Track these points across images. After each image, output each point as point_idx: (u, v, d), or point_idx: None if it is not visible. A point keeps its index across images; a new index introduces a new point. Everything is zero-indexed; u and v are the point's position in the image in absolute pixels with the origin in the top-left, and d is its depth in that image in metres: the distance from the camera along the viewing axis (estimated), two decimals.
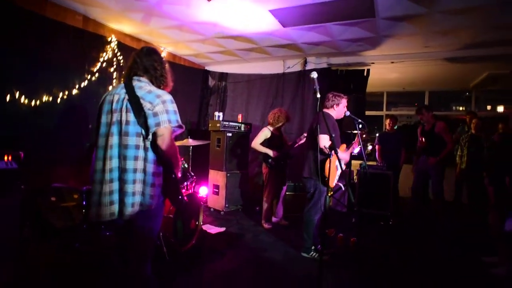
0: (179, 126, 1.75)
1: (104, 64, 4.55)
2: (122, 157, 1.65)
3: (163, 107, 1.67)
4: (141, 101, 1.64)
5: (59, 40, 3.97)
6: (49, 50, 3.87)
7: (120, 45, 4.78)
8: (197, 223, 3.49)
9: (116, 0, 3.84)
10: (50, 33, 3.87)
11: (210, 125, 5.24)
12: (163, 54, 5.78)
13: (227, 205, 5.01)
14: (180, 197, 1.82)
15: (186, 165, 3.74)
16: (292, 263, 3.20)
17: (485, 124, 5.16)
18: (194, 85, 6.79)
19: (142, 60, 1.79)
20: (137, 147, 1.66)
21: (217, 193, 5.11)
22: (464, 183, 5.31)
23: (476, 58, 5.17)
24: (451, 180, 5.43)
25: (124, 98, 1.68)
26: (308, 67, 5.89)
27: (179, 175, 3.54)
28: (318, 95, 2.15)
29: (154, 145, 1.68)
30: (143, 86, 1.71)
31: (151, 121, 1.63)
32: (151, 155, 1.69)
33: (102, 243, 3.19)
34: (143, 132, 1.66)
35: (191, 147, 4.30)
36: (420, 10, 3.71)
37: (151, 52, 1.85)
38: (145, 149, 1.68)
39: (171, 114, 1.69)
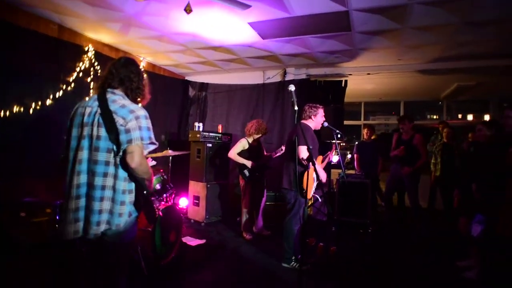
0: (152, 143, 1.71)
1: (80, 74, 4.44)
2: (91, 173, 1.59)
3: (136, 124, 1.62)
4: (114, 116, 1.59)
5: (31, 49, 3.86)
6: (21, 59, 3.75)
7: (97, 54, 4.70)
8: (176, 235, 3.43)
9: (92, 10, 3.78)
10: (22, 42, 3.76)
11: (190, 135, 5.20)
12: (142, 64, 5.72)
13: (207, 216, 4.95)
14: (152, 214, 1.78)
15: (165, 177, 3.68)
16: (273, 274, 3.19)
17: (456, 132, 5.41)
18: (175, 95, 6.75)
19: (118, 71, 1.73)
20: (107, 163, 1.61)
21: (197, 204, 5.04)
22: (438, 190, 5.50)
23: (445, 71, 5.45)
24: (425, 187, 5.62)
25: (96, 112, 1.62)
26: (287, 78, 5.99)
27: (157, 187, 3.48)
28: (296, 107, 2.19)
29: (124, 162, 1.62)
30: (117, 100, 1.66)
31: (123, 138, 1.58)
32: (121, 172, 1.64)
33: (76, 260, 3.07)
34: (115, 148, 1.60)
35: (170, 157, 4.24)
36: (393, 26, 3.89)
37: (128, 62, 1.78)
38: (115, 165, 1.63)
39: (144, 130, 1.65)
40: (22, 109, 3.77)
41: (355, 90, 7.08)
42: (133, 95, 1.76)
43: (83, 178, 1.60)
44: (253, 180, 4.30)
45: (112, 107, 1.62)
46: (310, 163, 2.28)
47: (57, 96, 4.13)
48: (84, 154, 1.61)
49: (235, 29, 4.24)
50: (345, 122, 7.87)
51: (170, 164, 4.33)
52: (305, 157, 2.97)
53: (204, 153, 5.00)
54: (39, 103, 3.94)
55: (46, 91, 4.03)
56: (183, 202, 5.39)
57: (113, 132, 1.58)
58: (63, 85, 4.22)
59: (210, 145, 5.07)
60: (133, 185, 1.71)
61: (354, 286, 2.99)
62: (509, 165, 2.27)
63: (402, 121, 4.78)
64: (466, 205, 3.27)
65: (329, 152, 3.62)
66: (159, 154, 4.29)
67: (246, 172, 4.26)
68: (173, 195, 3.85)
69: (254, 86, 6.34)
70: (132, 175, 1.67)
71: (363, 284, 3.04)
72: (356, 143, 5.91)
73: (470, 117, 9.48)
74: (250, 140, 4.39)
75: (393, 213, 5.02)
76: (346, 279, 3.13)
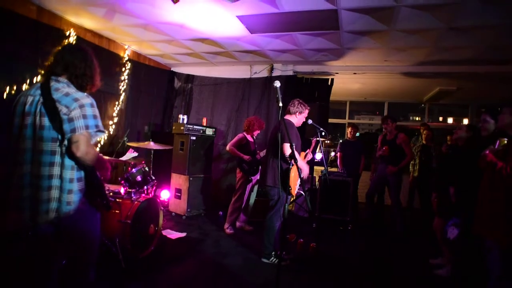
0: (99, 131, 1.67)
1: None
2: (37, 163, 1.55)
3: (80, 112, 1.57)
4: (57, 104, 1.54)
5: (6, 30, 3.67)
6: None
7: (79, 40, 4.53)
8: (156, 228, 3.38)
9: None
10: None
11: (174, 127, 5.12)
12: (127, 53, 5.57)
13: (189, 210, 4.91)
14: (104, 201, 1.77)
15: (146, 168, 3.61)
16: (252, 269, 3.20)
17: (437, 135, 5.56)
18: (159, 86, 6.62)
19: (63, 56, 1.67)
20: (53, 152, 1.57)
21: (179, 197, 4.99)
22: (416, 189, 5.66)
23: (429, 74, 5.57)
24: (405, 187, 5.77)
25: (38, 101, 1.57)
26: (274, 74, 5.98)
27: (138, 179, 3.41)
28: (280, 104, 2.18)
29: (70, 151, 1.58)
30: (60, 88, 1.60)
31: (66, 127, 1.54)
32: (67, 161, 1.61)
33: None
34: (59, 137, 1.57)
35: (152, 150, 4.17)
36: (381, 27, 3.93)
37: (74, 48, 1.74)
38: (61, 155, 1.59)
39: (90, 119, 1.61)
40: None
41: (341, 89, 7.15)
42: (78, 82, 1.69)
43: (26, 168, 1.56)
44: (251, 174, 4.34)
45: (55, 95, 1.57)
46: (293, 161, 2.27)
47: (34, 81, 3.96)
48: (27, 144, 1.57)
49: (223, 22, 4.17)
50: (330, 120, 7.97)
51: (152, 156, 4.26)
52: (287, 154, 2.97)
53: (187, 146, 4.94)
54: (14, 87, 3.77)
55: (22, 75, 3.85)
56: (165, 195, 5.33)
57: (56, 121, 1.54)
58: (40, 69, 4.05)
59: (194, 138, 5.01)
60: (82, 173, 1.68)
61: (331, 281, 3.05)
62: (481, 167, 2.36)
63: (385, 121, 4.87)
64: (443, 207, 3.38)
65: (308, 150, 3.64)
66: (141, 145, 4.21)
67: (245, 166, 4.26)
68: (154, 187, 3.79)
69: (240, 80, 6.30)
70: (80, 164, 1.64)
71: (340, 279, 3.10)
72: (340, 141, 5.97)
73: (450, 120, 9.78)
74: (247, 135, 4.42)
75: (373, 210, 5.12)
76: (324, 274, 3.18)
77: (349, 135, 5.71)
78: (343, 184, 5.06)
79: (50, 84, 1.60)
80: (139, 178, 3.42)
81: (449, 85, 6.38)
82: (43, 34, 4.06)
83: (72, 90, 1.63)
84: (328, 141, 8.64)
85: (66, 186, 1.60)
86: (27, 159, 1.55)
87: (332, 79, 5.91)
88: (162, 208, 3.57)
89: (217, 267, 3.21)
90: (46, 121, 1.54)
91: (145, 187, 3.45)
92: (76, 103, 1.57)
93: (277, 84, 2.25)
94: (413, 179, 5.59)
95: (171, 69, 6.84)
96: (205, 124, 5.41)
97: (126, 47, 5.52)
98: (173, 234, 3.99)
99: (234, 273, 3.10)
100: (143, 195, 3.38)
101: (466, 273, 3.07)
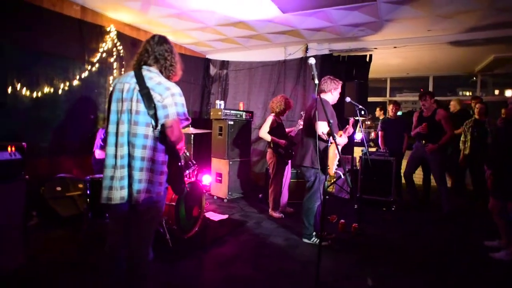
0: (186, 119, 1.80)
1: (104, 55, 4.55)
2: (131, 145, 1.70)
3: (172, 100, 1.69)
4: (151, 92, 1.68)
5: (57, 30, 3.97)
6: (47, 41, 3.87)
7: (119, 34, 4.77)
8: (199, 210, 3.54)
9: None
10: (47, 23, 3.86)
11: (211, 113, 5.25)
12: None
13: (230, 193, 5.06)
14: (182, 185, 1.87)
15: (187, 154, 3.77)
16: (293, 249, 3.24)
17: (491, 110, 5.09)
18: (196, 74, 6.78)
19: (153, 48, 1.81)
20: (146, 136, 1.70)
21: (220, 181, 5.16)
22: (468, 169, 5.28)
23: (481, 41, 5.07)
24: (455, 167, 5.41)
25: (134, 88, 1.71)
26: (309, 54, 5.82)
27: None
28: (316, 81, 2.13)
29: (163, 135, 1.72)
30: (153, 77, 1.73)
31: (160, 113, 1.67)
32: (159, 144, 1.74)
33: (105, 230, 3.26)
34: (153, 122, 1.70)
35: (192, 135, 4.32)
36: None
37: (162, 40, 1.86)
38: (154, 138, 1.72)
39: (179, 106, 1.73)
40: (52, 90, 3.93)
41: (380, 65, 6.80)
42: (166, 73, 1.84)
43: (125, 150, 1.71)
44: (287, 158, 4.31)
45: (149, 83, 1.70)
46: (331, 138, 2.23)
47: (82, 76, 4.27)
48: (125, 128, 1.71)
49: (254, 4, 4.13)
50: (370, 99, 7.64)
51: (192, 142, 4.41)
52: (325, 132, 2.91)
53: (225, 131, 5.05)
54: (67, 83, 4.10)
55: (72, 72, 4.17)
56: (206, 179, 5.54)
57: (151, 107, 1.67)
58: (88, 65, 4.35)
59: (232, 122, 5.10)
60: (167, 157, 1.81)
61: (373, 262, 2.99)
62: None
63: (423, 97, 4.59)
64: (499, 187, 3.10)
65: (347, 126, 3.50)
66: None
67: (281, 151, 4.24)
68: (195, 172, 3.95)
69: (275, 62, 6.23)
70: (168, 148, 1.78)
71: (383, 260, 3.03)
72: (381, 119, 5.72)
73: (508, 92, 8.77)
74: (278, 117, 4.36)
75: (415, 191, 4.89)
76: (366, 255, 3.13)
77: (390, 113, 5.45)
78: (385, 164, 4.87)
79: (142, 73, 1.74)
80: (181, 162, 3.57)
81: (506, 51, 5.75)
82: (87, 32, 4.34)
83: (163, 79, 1.76)
84: (369, 122, 8.27)
85: (157, 168, 1.73)
86: (125, 141, 1.71)
87: (371, 55, 5.63)
88: (204, 191, 3.72)
89: (259, 247, 3.30)
90: (141, 107, 1.68)
91: (187, 171, 3.61)
92: (168, 92, 1.69)
93: (312, 61, 2.19)
94: (464, 157, 5.21)
95: (206, 56, 6.96)
96: (241, 109, 5.47)
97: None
98: (215, 216, 4.16)
99: (275, 252, 3.16)
100: (186, 179, 3.54)
101: None
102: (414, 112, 5.09)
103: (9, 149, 2.58)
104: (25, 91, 3.66)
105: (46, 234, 3.30)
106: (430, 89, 7.77)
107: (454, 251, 3.31)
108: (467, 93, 9.24)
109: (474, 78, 7.80)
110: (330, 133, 2.17)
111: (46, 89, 3.87)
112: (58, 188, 3.72)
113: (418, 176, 5.05)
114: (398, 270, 2.83)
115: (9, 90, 3.50)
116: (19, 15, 3.57)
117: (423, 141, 4.56)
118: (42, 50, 3.81)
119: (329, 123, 2.15)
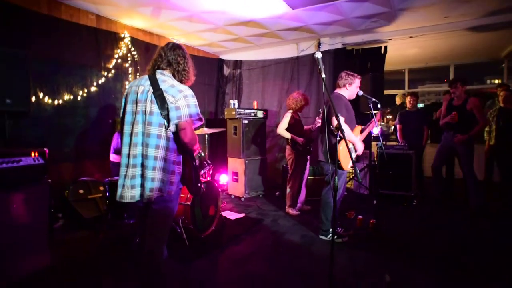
0: (199, 119, 1.85)
1: (119, 61, 4.69)
2: (145, 145, 1.76)
3: (184, 102, 1.76)
4: (165, 94, 1.75)
5: (74, 40, 4.14)
6: (67, 51, 4.04)
7: (133, 40, 4.90)
8: (216, 209, 3.59)
9: None
10: (66, 34, 4.04)
11: (226, 113, 5.29)
12: None
13: (247, 192, 5.09)
14: (199, 184, 1.92)
15: (202, 154, 3.81)
16: (309, 246, 3.23)
17: None
18: (210, 75, 6.85)
19: (166, 54, 1.90)
20: (159, 136, 1.76)
21: (236, 180, 5.19)
22: (494, 160, 5.03)
23: (505, 24, 4.78)
24: (480, 158, 5.16)
25: (148, 90, 1.79)
26: (322, 49, 5.74)
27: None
28: (323, 75, 2.10)
29: (176, 136, 1.79)
30: (166, 80, 1.81)
31: (173, 114, 1.74)
32: (172, 144, 1.80)
33: (124, 230, 3.37)
34: (165, 123, 1.76)
35: (206, 136, 4.37)
36: None
37: (175, 47, 1.94)
38: (167, 139, 1.78)
39: (192, 108, 1.79)
40: (71, 97, 4.10)
41: (397, 57, 6.60)
42: (179, 76, 1.92)
43: (138, 149, 1.78)
44: (304, 154, 4.29)
45: (162, 86, 1.77)
46: (339, 132, 2.19)
47: (99, 82, 4.43)
48: (139, 128, 1.78)
49: (262, 2, 4.12)
50: (388, 92, 7.43)
51: (206, 142, 4.47)
52: (333, 126, 2.89)
53: (240, 130, 5.08)
54: (85, 90, 4.26)
55: (90, 79, 4.33)
56: (223, 179, 5.59)
57: (164, 108, 1.74)
58: (104, 72, 4.50)
59: (246, 121, 5.12)
60: (181, 157, 1.87)
61: (390, 258, 2.91)
62: None
63: (454, 85, 4.31)
64: None
65: (368, 124, 3.45)
66: (195, 132, 4.45)
67: (299, 147, 4.23)
68: (211, 171, 3.99)
69: (288, 59, 6.20)
70: (182, 148, 1.83)
71: (401, 256, 2.95)
72: (399, 112, 5.56)
73: None
74: (295, 113, 4.34)
75: (441, 185, 4.70)
76: (383, 251, 3.06)
77: (408, 105, 5.27)
78: (404, 157, 4.74)
79: (156, 76, 1.83)
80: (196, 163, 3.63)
81: None
82: (102, 39, 4.49)
83: (176, 82, 1.85)
84: (390, 116, 8.01)
85: (169, 168, 1.79)
86: (139, 141, 1.78)
87: (385, 47, 5.47)
88: (220, 190, 3.76)
89: (275, 245, 3.30)
90: (155, 108, 1.75)
91: (202, 171, 3.66)
92: (181, 94, 1.77)
93: (319, 55, 2.16)
94: (490, 148, 4.97)
95: (219, 57, 7.01)
96: (256, 107, 5.48)
97: (175, 40, 5.80)
98: (232, 215, 4.19)
99: (291, 250, 3.15)
100: (202, 179, 3.59)
101: None
102: (439, 104, 4.84)
103: (32, 154, 2.72)
104: (47, 100, 3.83)
105: (71, 235, 3.46)
106: (451, 78, 7.44)
107: (479, 250, 3.13)
108: (496, 81, 8.74)
109: (503, 64, 7.39)
110: (338, 127, 2.13)
111: (66, 97, 4.04)
112: (81, 191, 3.88)
113: None
114: (416, 266, 2.75)
115: (33, 99, 3.67)
116: (39, 28, 3.74)
117: (452, 132, 4.35)
118: (61, 59, 3.98)
119: (337, 116, 2.12)
